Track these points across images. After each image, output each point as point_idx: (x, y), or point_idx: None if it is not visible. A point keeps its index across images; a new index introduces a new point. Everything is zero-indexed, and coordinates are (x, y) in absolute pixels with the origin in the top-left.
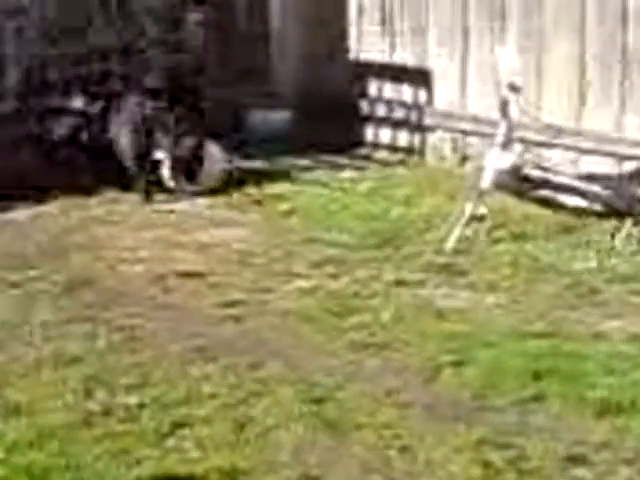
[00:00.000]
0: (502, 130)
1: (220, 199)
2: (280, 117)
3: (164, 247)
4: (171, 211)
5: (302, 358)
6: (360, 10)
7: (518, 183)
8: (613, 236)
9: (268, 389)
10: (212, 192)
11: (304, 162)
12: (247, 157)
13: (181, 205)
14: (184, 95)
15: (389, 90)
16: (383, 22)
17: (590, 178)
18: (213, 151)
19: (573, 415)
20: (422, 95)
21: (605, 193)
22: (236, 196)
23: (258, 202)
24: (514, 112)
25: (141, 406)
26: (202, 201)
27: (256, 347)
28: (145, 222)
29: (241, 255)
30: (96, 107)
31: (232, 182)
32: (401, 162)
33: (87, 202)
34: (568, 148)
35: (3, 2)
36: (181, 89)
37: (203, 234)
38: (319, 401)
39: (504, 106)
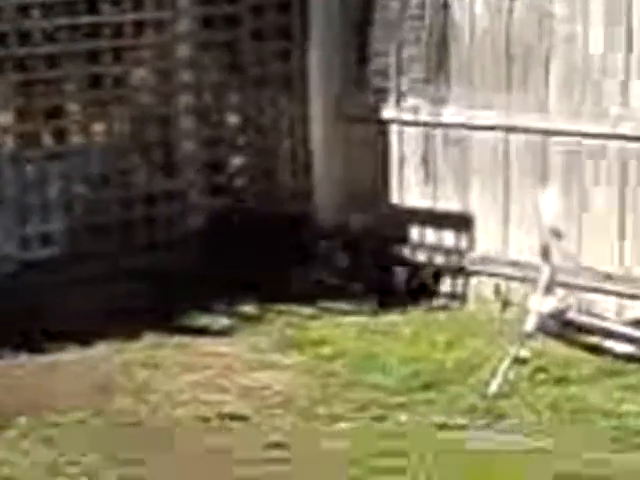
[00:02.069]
0: (544, 274)
1: (262, 342)
2: None
3: (206, 390)
4: (213, 354)
5: None
6: (401, 159)
7: (562, 327)
8: None
9: None
10: (254, 335)
11: (346, 306)
12: (285, 300)
13: (223, 348)
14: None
15: (431, 235)
16: (426, 172)
17: (637, 323)
18: None
19: None
20: (464, 240)
21: None
22: (278, 339)
23: (300, 345)
24: (556, 257)
25: None
26: (244, 344)
27: None
28: (187, 365)
29: (284, 398)
30: None
31: (275, 325)
32: (443, 307)
33: (130, 346)
34: (613, 293)
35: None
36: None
37: (245, 377)
38: None
39: (546, 251)
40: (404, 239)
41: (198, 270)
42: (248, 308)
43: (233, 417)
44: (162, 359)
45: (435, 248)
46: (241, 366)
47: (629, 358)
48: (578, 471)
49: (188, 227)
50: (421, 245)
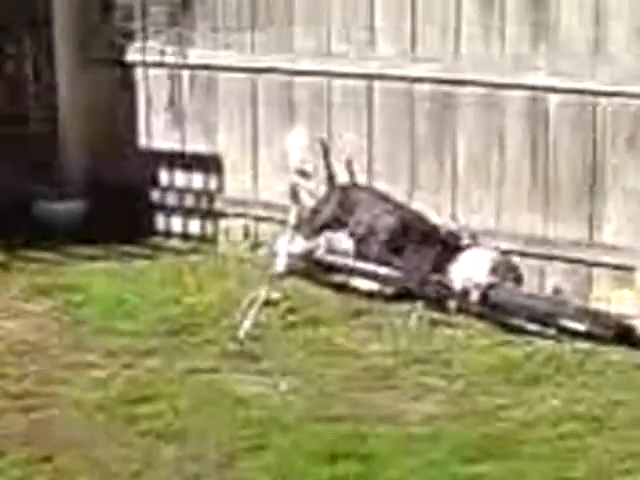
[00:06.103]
0: (293, 215)
1: (5, 290)
2: (69, 207)
3: None
4: None
5: (97, 448)
6: (148, 100)
7: (311, 267)
8: (406, 318)
9: None
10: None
11: (95, 252)
12: (35, 247)
13: None
14: None
15: (180, 178)
16: (174, 115)
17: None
18: None
19: None
20: (213, 182)
21: (396, 275)
22: (24, 287)
23: (48, 293)
24: (304, 197)
25: None
26: None
27: (48, 439)
28: None
29: (32, 346)
30: None
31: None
32: (193, 250)
33: None
34: None
35: None
36: None
37: None
38: None
39: (294, 191)
40: (153, 182)
41: None
42: None
43: None
44: None
45: (184, 191)
46: None
47: (374, 295)
48: (337, 413)
49: None
50: (170, 188)
